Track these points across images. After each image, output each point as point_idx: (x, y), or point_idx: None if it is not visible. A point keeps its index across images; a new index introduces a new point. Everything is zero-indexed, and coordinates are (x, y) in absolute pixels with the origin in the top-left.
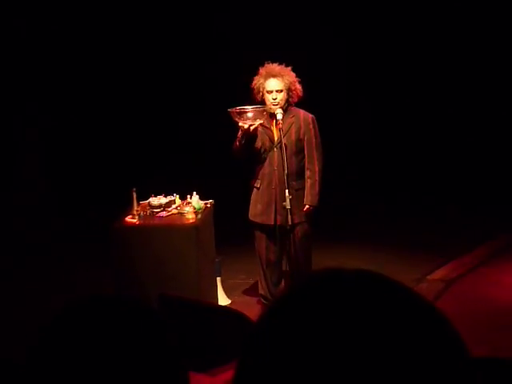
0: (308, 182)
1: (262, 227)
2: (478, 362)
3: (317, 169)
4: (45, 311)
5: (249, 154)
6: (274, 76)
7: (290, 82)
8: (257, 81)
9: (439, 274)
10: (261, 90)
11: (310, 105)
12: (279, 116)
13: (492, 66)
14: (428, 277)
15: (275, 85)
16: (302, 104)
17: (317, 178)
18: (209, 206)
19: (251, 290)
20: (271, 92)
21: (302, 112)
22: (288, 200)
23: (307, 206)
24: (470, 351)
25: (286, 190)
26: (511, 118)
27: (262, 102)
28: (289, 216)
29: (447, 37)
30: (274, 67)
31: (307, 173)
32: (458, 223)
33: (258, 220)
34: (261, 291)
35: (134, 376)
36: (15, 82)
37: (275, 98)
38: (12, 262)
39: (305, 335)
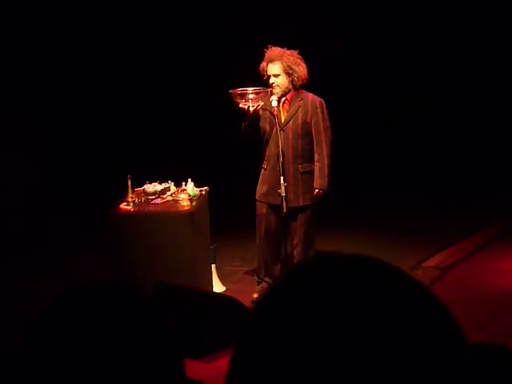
0: (317, 166)
1: (268, 207)
2: (473, 347)
3: (325, 152)
4: (39, 298)
5: (253, 135)
6: (271, 60)
7: (288, 66)
8: (261, 64)
9: (434, 261)
10: (264, 73)
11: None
12: (274, 103)
13: (489, 55)
14: (423, 264)
15: (272, 69)
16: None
17: (325, 162)
18: (204, 193)
19: (246, 277)
20: (270, 76)
21: (310, 96)
22: (283, 187)
23: (317, 190)
24: (467, 337)
25: (281, 178)
26: (507, 106)
27: (268, 84)
28: (284, 203)
29: (442, 29)
30: (274, 51)
31: (316, 156)
32: (453, 210)
33: (264, 200)
34: (258, 273)
35: (129, 363)
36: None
37: (273, 82)
38: (5, 247)
39: (301, 321)
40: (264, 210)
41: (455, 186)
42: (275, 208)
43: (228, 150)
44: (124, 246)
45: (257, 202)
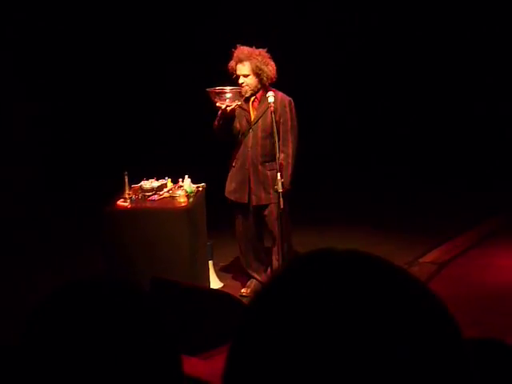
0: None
1: (237, 205)
2: (469, 342)
3: (290, 151)
4: (36, 294)
5: (227, 134)
6: (240, 61)
7: (256, 66)
8: (230, 64)
9: (431, 256)
10: (234, 72)
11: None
12: (271, 99)
13: (487, 50)
14: (420, 259)
15: (241, 69)
16: (283, 87)
17: (290, 161)
18: (201, 189)
19: (243, 273)
20: (239, 76)
21: (280, 94)
22: (280, 183)
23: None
24: (463, 333)
25: (278, 174)
26: (506, 100)
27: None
28: (281, 199)
29: (433, 22)
30: (243, 50)
31: (281, 155)
32: (449, 206)
33: (232, 197)
34: (242, 264)
35: (126, 360)
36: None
37: (242, 82)
38: (1, 245)
39: (296, 317)
40: (233, 206)
41: (452, 181)
42: (241, 205)
43: (225, 146)
44: (121, 242)
45: (227, 200)
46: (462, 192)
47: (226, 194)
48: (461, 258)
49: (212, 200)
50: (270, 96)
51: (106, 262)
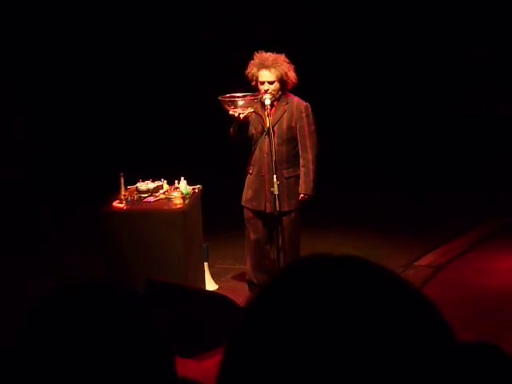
0: (302, 171)
1: (253, 212)
2: (464, 347)
3: (310, 157)
4: (29, 297)
5: (242, 141)
6: (266, 67)
7: (283, 73)
8: (250, 69)
9: (427, 259)
10: (254, 78)
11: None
12: (267, 101)
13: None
14: (415, 263)
15: (267, 76)
16: (296, 91)
17: (310, 167)
18: (197, 191)
19: (239, 276)
20: (263, 83)
21: (296, 99)
22: (276, 186)
23: (302, 195)
24: (456, 337)
25: (274, 176)
26: (500, 103)
27: (256, 89)
28: (277, 202)
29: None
30: (268, 57)
31: (301, 161)
32: (445, 208)
33: (249, 205)
34: (247, 276)
35: (120, 361)
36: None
37: (267, 90)
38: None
39: (292, 321)
40: (250, 215)
41: (448, 184)
42: (260, 214)
43: (221, 148)
44: (116, 243)
45: (243, 208)
46: (457, 195)
47: (243, 203)
48: (456, 261)
49: (208, 202)
50: (267, 99)
51: (101, 263)
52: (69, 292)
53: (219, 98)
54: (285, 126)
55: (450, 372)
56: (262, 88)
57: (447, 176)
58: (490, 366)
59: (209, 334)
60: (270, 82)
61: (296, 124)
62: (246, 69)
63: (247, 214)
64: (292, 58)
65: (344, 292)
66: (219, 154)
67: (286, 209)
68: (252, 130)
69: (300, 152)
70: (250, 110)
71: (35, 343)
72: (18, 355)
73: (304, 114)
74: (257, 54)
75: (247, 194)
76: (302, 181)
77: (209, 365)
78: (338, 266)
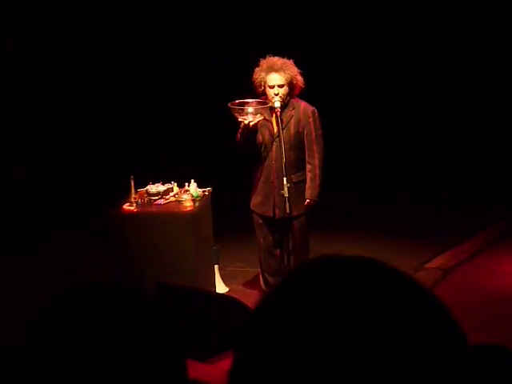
0: (308, 176)
1: (262, 218)
2: (474, 348)
3: (317, 162)
4: (40, 298)
5: (250, 148)
6: (275, 71)
7: (292, 76)
8: (258, 74)
9: (437, 262)
10: (262, 83)
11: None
12: (277, 104)
13: (495, 55)
14: (426, 265)
15: (277, 79)
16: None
17: (317, 172)
18: (207, 193)
19: (249, 278)
20: (273, 87)
21: (302, 104)
22: (286, 188)
23: (308, 200)
24: (467, 338)
25: (284, 178)
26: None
27: (264, 95)
28: (286, 204)
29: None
30: (276, 61)
31: (307, 166)
32: (455, 211)
33: (258, 211)
34: (260, 280)
35: (131, 365)
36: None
37: (277, 94)
38: (6, 247)
39: (302, 322)
40: (259, 221)
41: (458, 186)
42: (268, 219)
43: (231, 150)
44: (127, 246)
45: (252, 212)
46: (468, 198)
47: (252, 207)
48: (466, 263)
49: (218, 204)
50: (277, 101)
51: (111, 266)
52: (79, 294)
53: (229, 104)
54: (292, 131)
55: (461, 373)
56: (272, 92)
57: (458, 177)
58: (499, 367)
59: (219, 337)
60: (280, 86)
61: (303, 129)
62: (253, 75)
63: (256, 219)
64: (300, 63)
65: (355, 292)
66: (229, 155)
67: (295, 213)
68: (260, 136)
69: (307, 157)
70: (260, 117)
71: (46, 345)
72: (28, 356)
73: (311, 119)
74: (263, 60)
75: (256, 199)
76: (308, 186)
77: (220, 367)
78: (348, 267)
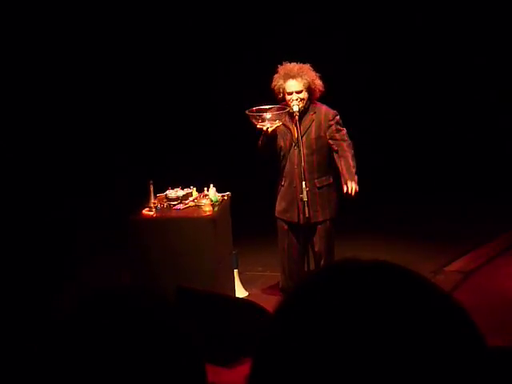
0: (344, 169)
1: (287, 224)
2: (494, 351)
3: (349, 154)
4: (61, 303)
5: (270, 154)
6: (292, 77)
7: (310, 81)
8: (276, 81)
9: (456, 265)
10: (281, 90)
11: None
12: (295, 108)
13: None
14: (445, 268)
15: (295, 86)
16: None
17: (351, 163)
18: (226, 198)
19: (269, 283)
20: (291, 93)
21: (323, 108)
22: (305, 192)
23: (349, 184)
24: (486, 341)
25: (303, 183)
26: None
27: (284, 101)
28: (306, 208)
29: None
30: (293, 67)
31: (341, 162)
32: (475, 213)
33: (283, 217)
34: (280, 284)
35: (151, 369)
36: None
37: (296, 99)
38: (27, 251)
39: (322, 326)
40: (285, 227)
41: (479, 188)
42: (294, 225)
43: (250, 154)
44: (146, 251)
45: (277, 219)
46: (489, 200)
47: (277, 215)
48: (486, 266)
49: (237, 209)
50: (295, 105)
51: (131, 271)
52: (100, 299)
53: (246, 111)
54: (313, 135)
55: (479, 375)
56: (290, 99)
57: (479, 180)
58: None
59: (239, 341)
60: (298, 92)
61: (325, 133)
62: (271, 82)
63: (281, 225)
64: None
65: (375, 296)
66: (248, 160)
67: (320, 219)
68: (280, 141)
69: (339, 155)
70: (278, 123)
71: (66, 351)
72: (49, 360)
73: (333, 122)
74: (280, 66)
75: (280, 205)
76: (345, 175)
77: (239, 372)
78: (368, 270)
